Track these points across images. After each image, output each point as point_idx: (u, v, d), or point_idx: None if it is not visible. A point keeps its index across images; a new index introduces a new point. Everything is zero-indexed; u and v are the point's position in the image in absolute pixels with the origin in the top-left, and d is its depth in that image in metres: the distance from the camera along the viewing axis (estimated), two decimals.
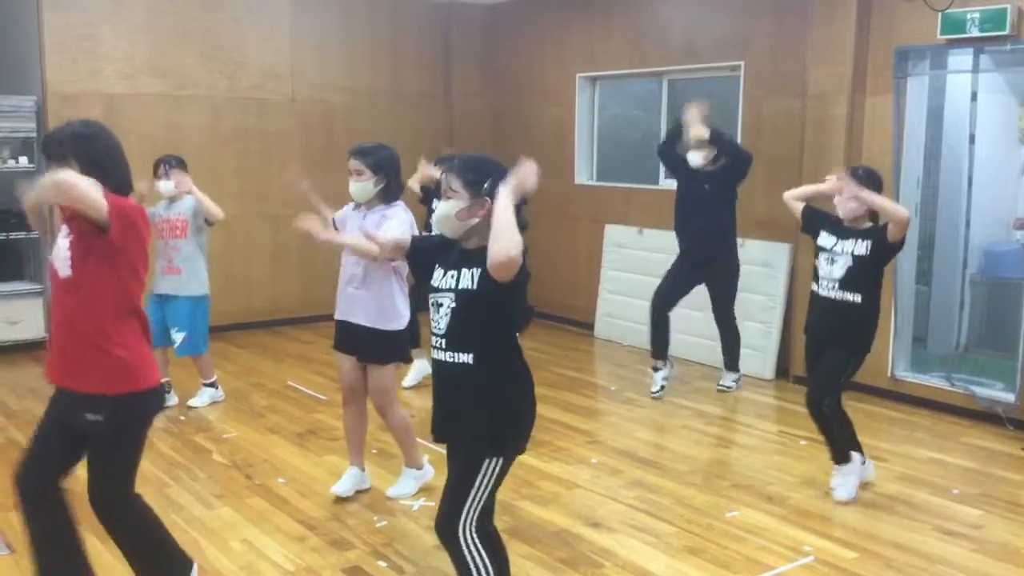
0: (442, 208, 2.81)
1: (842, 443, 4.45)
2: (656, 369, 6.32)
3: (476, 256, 2.75)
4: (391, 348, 4.21)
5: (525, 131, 8.80)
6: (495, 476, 2.80)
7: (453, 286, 2.77)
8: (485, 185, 2.75)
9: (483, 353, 2.75)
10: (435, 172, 6.23)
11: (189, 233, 5.59)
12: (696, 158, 6.02)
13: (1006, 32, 5.35)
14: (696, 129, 5.93)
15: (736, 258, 6.27)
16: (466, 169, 2.81)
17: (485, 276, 2.68)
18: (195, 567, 3.31)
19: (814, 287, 4.41)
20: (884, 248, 4.20)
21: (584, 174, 8.47)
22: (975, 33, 5.47)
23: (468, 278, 2.74)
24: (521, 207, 2.72)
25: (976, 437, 5.44)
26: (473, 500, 2.78)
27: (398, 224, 4.00)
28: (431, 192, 6.43)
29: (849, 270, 4.24)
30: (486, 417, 2.77)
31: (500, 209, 2.63)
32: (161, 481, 4.60)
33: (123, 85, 7.39)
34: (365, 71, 8.57)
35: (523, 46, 8.82)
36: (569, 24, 8.31)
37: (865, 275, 4.24)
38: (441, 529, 2.83)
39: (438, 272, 2.85)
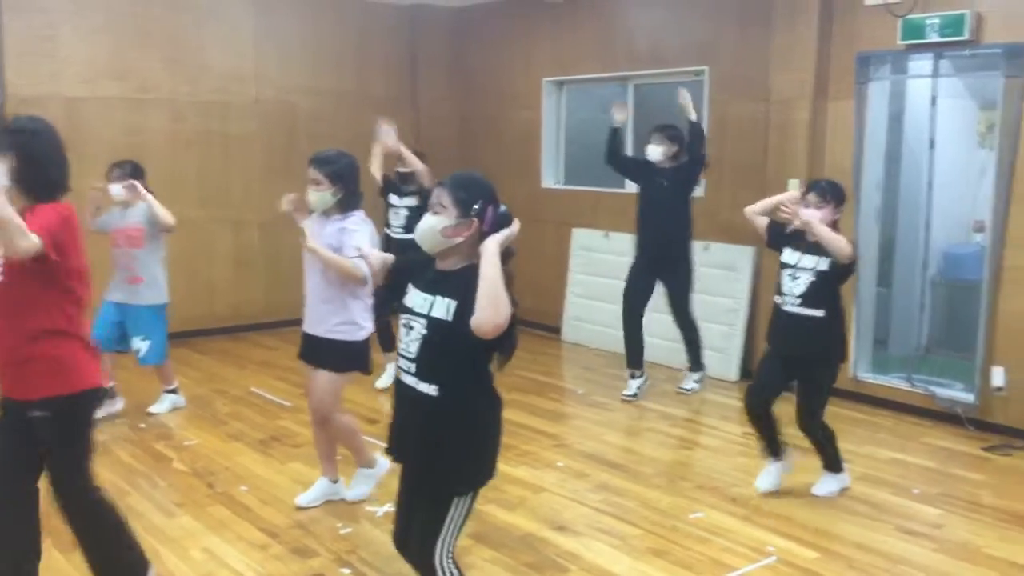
0: (428, 221, 2.72)
1: (833, 453, 4.56)
2: (633, 376, 6.34)
3: (452, 281, 2.67)
4: (347, 359, 4.13)
5: (492, 135, 8.79)
6: (465, 512, 2.77)
7: (426, 312, 2.67)
8: (475, 207, 2.68)
9: (450, 386, 2.66)
10: (389, 139, 6.07)
11: (145, 241, 5.49)
12: (656, 152, 6.05)
13: (965, 37, 5.42)
14: (687, 109, 6.04)
15: (691, 256, 6.28)
16: (457, 187, 2.72)
17: (461, 311, 2.58)
18: (152, 570, 3.28)
19: (777, 299, 4.44)
20: (840, 266, 4.25)
21: (551, 178, 8.48)
22: (935, 38, 5.55)
23: (443, 308, 2.64)
24: (508, 254, 2.63)
25: (936, 437, 5.51)
26: (446, 535, 2.74)
27: (360, 236, 3.94)
28: (390, 184, 6.42)
29: (812, 285, 4.28)
30: (451, 457, 2.70)
31: (489, 266, 2.50)
32: (121, 489, 4.52)
33: (83, 88, 7.27)
34: (330, 73, 8.50)
35: (490, 50, 8.81)
36: (536, 28, 8.32)
37: (826, 290, 4.30)
38: (417, 563, 2.80)
39: (412, 292, 2.76)
